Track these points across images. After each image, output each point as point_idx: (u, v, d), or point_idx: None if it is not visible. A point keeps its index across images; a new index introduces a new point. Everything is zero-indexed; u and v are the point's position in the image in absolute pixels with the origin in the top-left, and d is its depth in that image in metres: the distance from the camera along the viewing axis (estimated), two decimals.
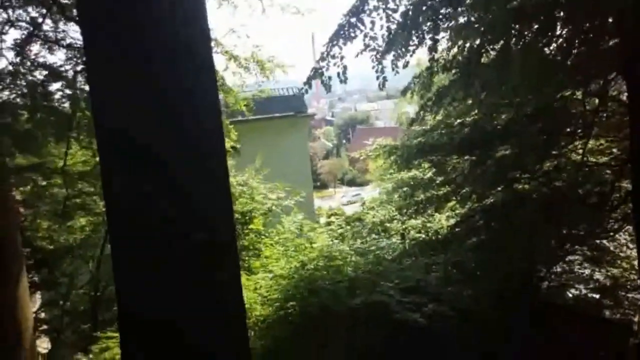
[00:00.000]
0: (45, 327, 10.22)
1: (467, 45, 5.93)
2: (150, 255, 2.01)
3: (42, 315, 10.48)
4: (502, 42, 5.70)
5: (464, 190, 7.49)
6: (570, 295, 7.14)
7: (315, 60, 5.33)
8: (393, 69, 5.60)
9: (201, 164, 2.06)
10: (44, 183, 9.76)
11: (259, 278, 6.08)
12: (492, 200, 7.11)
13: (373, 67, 5.38)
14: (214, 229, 2.09)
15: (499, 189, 6.98)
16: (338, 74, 5.32)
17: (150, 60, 1.93)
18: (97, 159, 9.72)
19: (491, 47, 5.82)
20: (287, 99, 19.16)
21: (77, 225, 10.28)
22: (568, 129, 6.71)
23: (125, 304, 2.15)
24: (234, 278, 2.25)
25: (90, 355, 6.94)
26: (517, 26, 5.59)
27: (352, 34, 5.13)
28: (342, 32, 5.14)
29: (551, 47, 5.80)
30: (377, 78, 5.47)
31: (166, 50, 1.95)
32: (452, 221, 8.35)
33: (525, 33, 5.65)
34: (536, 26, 5.47)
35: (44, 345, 10.22)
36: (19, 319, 6.32)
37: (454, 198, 7.98)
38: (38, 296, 10.35)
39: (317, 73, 5.33)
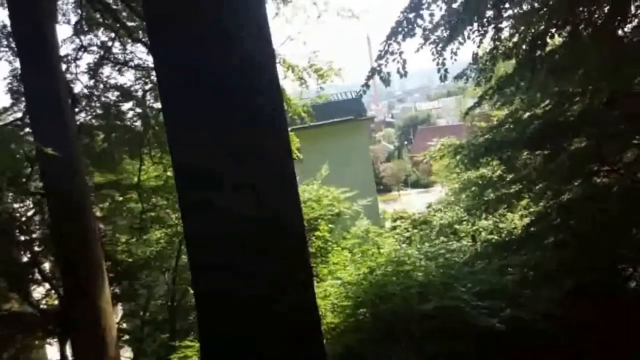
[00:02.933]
0: (127, 337, 10.72)
1: (531, 31, 5.65)
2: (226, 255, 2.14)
3: (124, 325, 11.01)
4: (569, 27, 5.39)
5: (538, 187, 7.11)
6: None
7: (374, 60, 5.23)
8: (451, 58, 5.39)
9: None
10: (121, 199, 10.30)
11: (327, 285, 6.06)
12: (569, 196, 6.70)
13: (434, 60, 5.22)
14: (287, 224, 2.26)
15: (576, 183, 6.57)
16: (397, 69, 5.16)
17: (221, 76, 2.02)
18: (169, 173, 10.18)
19: (558, 32, 5.52)
20: (345, 103, 19.17)
21: (153, 238, 10.74)
22: None
23: (203, 307, 2.37)
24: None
25: None
26: (584, 9, 5.27)
27: (412, 31, 4.99)
28: (400, 29, 5.02)
29: (625, 29, 5.43)
30: (439, 71, 5.30)
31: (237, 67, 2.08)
32: (526, 220, 7.95)
33: (595, 15, 5.32)
34: (607, 7, 5.14)
35: (127, 354, 10.74)
36: (105, 330, 6.67)
37: (526, 196, 7.59)
38: (119, 307, 10.88)
39: (375, 71, 5.23)
